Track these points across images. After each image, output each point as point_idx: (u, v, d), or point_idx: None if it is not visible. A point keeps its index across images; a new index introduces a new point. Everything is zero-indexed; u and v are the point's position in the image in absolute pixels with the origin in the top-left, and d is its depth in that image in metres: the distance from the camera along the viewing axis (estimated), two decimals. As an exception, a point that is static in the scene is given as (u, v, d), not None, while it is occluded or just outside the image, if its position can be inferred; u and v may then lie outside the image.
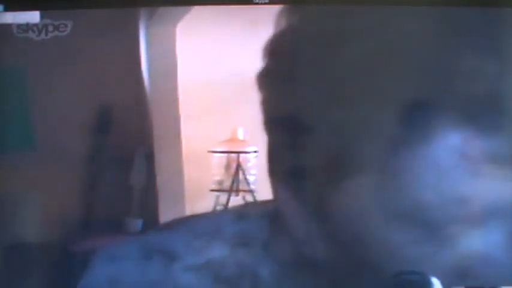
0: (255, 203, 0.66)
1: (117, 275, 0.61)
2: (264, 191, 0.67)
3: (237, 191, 0.68)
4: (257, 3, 0.63)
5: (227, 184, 0.68)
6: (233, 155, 0.68)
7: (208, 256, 0.61)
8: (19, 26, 0.64)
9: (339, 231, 0.58)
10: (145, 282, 0.61)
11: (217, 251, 0.61)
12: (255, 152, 0.67)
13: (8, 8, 0.64)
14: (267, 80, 0.60)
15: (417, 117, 0.58)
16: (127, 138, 0.67)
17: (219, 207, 0.68)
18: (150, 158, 0.66)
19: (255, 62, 0.64)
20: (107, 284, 0.61)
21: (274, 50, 0.61)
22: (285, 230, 0.62)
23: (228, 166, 0.69)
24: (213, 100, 0.66)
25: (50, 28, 0.64)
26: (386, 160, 0.57)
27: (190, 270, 0.60)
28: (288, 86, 0.61)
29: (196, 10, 0.65)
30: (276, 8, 0.63)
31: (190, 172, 0.67)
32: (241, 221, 0.63)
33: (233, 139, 0.67)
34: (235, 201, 0.68)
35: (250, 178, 0.68)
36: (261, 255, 0.61)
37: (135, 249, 0.62)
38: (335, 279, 0.61)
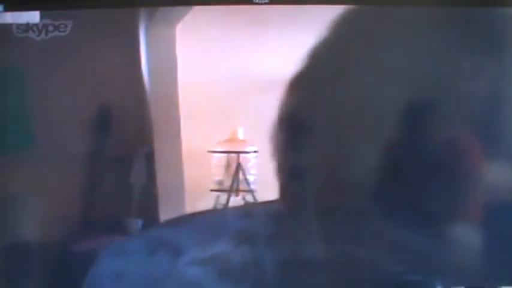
0: (259, 203, 0.66)
1: (123, 270, 0.61)
2: (264, 191, 0.67)
3: (237, 191, 0.68)
4: (257, 3, 0.63)
5: (227, 184, 0.68)
6: (233, 155, 0.68)
7: (213, 251, 0.61)
8: (19, 26, 0.64)
9: (341, 230, 0.58)
10: (151, 276, 0.61)
11: (222, 246, 0.61)
12: (255, 152, 0.67)
13: (8, 8, 0.64)
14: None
15: (418, 117, 0.58)
16: (127, 138, 0.67)
17: (219, 207, 0.68)
18: (150, 158, 0.66)
19: (255, 62, 0.64)
20: (114, 277, 0.61)
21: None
22: (289, 227, 0.62)
23: (228, 166, 0.69)
24: (213, 100, 0.66)
25: (50, 28, 0.64)
26: (387, 159, 0.57)
27: (196, 264, 0.61)
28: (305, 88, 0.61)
29: (196, 10, 0.65)
30: (277, 8, 0.63)
31: (190, 172, 0.67)
32: (246, 218, 0.63)
33: (233, 139, 0.67)
34: (235, 201, 0.68)
35: (250, 178, 0.68)
36: (266, 250, 0.61)
37: (141, 244, 0.63)
38: (336, 278, 0.61)
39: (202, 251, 0.61)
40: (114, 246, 0.63)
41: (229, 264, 0.60)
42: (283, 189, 0.62)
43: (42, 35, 0.64)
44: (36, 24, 0.64)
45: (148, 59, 0.67)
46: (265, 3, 0.63)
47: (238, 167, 0.69)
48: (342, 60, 0.61)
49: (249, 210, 0.65)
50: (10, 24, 0.64)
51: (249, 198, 0.68)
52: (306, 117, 0.61)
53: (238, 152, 0.68)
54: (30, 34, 0.64)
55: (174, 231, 0.64)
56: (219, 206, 0.68)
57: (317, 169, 0.60)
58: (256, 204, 0.66)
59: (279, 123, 0.61)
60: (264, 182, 0.67)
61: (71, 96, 0.65)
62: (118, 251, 0.63)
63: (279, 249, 0.61)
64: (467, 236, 0.58)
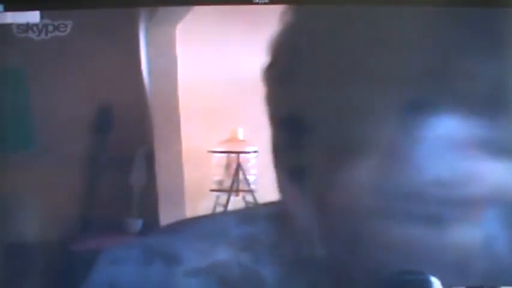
0: (260, 204, 0.66)
1: (118, 279, 0.61)
2: (264, 191, 0.67)
3: (237, 191, 0.68)
4: (257, 3, 0.63)
5: (227, 184, 0.68)
6: (233, 155, 0.68)
7: (212, 259, 0.60)
8: (19, 26, 0.64)
9: (341, 230, 0.58)
10: (147, 286, 0.61)
11: (222, 254, 0.61)
12: (255, 152, 0.67)
13: (8, 8, 0.64)
14: (270, 78, 0.61)
15: (418, 115, 0.58)
16: (127, 138, 0.67)
17: (219, 208, 0.68)
18: (150, 158, 0.66)
19: (255, 62, 0.64)
20: (109, 286, 0.61)
21: (277, 49, 0.61)
22: (291, 232, 0.61)
23: (228, 166, 0.69)
24: (213, 100, 0.66)
25: (50, 28, 0.64)
26: (387, 160, 0.57)
27: (194, 274, 0.60)
28: (290, 84, 0.61)
29: (196, 10, 0.65)
30: (277, 8, 0.63)
31: (190, 172, 0.67)
32: (246, 224, 0.63)
33: (233, 139, 0.67)
34: (235, 201, 0.68)
35: (251, 178, 0.68)
36: (266, 258, 0.61)
37: (137, 252, 0.62)
38: (338, 280, 0.61)
39: (201, 259, 0.60)
40: (109, 254, 0.62)
41: (229, 272, 0.60)
42: (284, 189, 0.62)
43: (42, 35, 0.64)
44: (36, 24, 0.64)
45: (148, 59, 0.67)
46: (265, 3, 0.63)
47: (238, 167, 0.69)
48: (342, 59, 0.61)
49: (249, 214, 0.64)
50: (10, 24, 0.64)
51: (249, 198, 0.68)
52: (307, 114, 0.61)
53: (238, 152, 0.68)
54: (30, 34, 0.64)
55: (172, 239, 0.63)
56: (219, 206, 0.68)
57: (317, 168, 0.60)
58: (256, 207, 0.65)
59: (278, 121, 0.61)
60: (264, 182, 0.67)
61: (71, 97, 0.65)
62: (113, 259, 0.62)
63: (280, 256, 0.60)
64: (467, 236, 0.58)
